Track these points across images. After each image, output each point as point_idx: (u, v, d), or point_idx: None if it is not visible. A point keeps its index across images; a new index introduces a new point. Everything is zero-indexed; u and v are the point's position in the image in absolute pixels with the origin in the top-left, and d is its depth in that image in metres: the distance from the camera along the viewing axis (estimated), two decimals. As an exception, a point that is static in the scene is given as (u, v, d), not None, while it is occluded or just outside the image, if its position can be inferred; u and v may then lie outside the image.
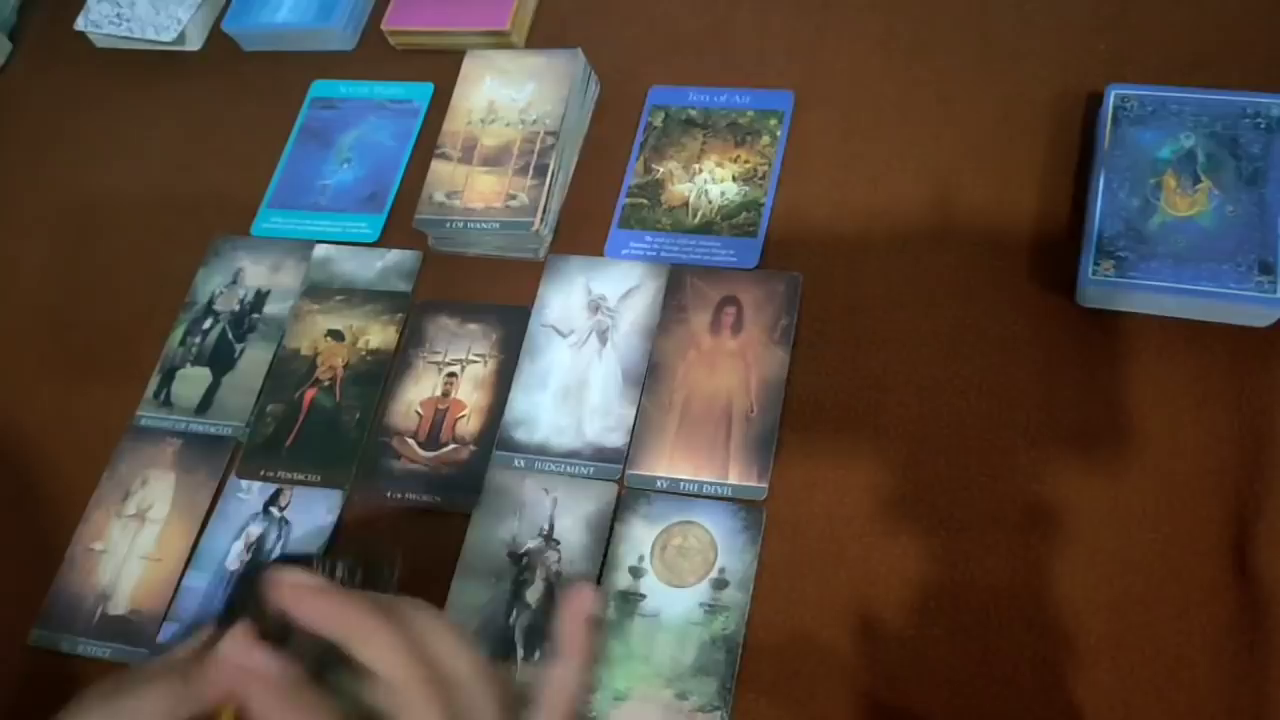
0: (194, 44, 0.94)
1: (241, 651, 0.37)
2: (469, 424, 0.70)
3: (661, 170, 0.75)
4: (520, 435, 0.68)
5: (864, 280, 0.68)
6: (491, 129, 0.77)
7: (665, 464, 0.65)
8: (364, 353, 0.74)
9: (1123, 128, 0.64)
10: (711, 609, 0.60)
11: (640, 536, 0.63)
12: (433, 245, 0.77)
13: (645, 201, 0.75)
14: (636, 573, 0.62)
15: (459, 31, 0.84)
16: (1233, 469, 0.58)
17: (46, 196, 0.91)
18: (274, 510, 0.70)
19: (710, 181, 0.74)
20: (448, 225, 0.74)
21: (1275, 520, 0.56)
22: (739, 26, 0.80)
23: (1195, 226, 0.61)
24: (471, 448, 0.69)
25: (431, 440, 0.70)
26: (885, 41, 0.76)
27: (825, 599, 0.60)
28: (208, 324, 0.78)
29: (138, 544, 0.71)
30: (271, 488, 0.71)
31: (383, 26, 0.86)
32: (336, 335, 0.75)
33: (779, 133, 0.75)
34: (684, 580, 0.61)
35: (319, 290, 0.77)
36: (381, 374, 0.73)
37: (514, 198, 0.74)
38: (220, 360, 0.77)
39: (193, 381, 0.76)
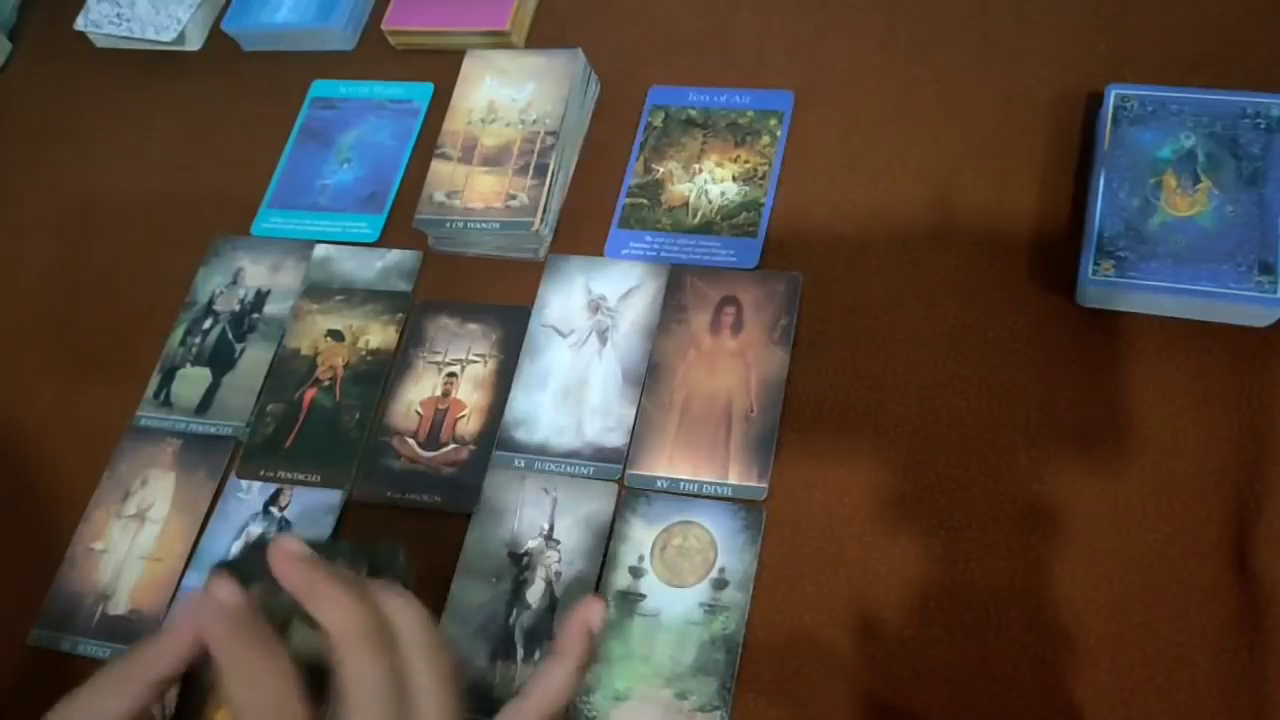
0: (194, 44, 0.94)
1: (214, 585, 0.39)
2: (469, 424, 0.70)
3: (661, 170, 0.75)
4: (520, 435, 0.68)
5: (864, 280, 0.68)
6: (491, 129, 0.77)
7: (665, 464, 0.65)
8: (364, 353, 0.74)
9: (1123, 128, 0.64)
10: (711, 609, 0.60)
11: (640, 536, 0.63)
12: (433, 245, 0.77)
13: (645, 201, 0.75)
14: (636, 573, 0.62)
15: (459, 31, 0.84)
16: (1233, 469, 0.58)
17: (46, 196, 0.91)
18: (274, 510, 0.70)
19: (710, 181, 0.74)
20: (448, 225, 0.74)
21: (1275, 520, 0.56)
22: (739, 26, 0.80)
23: (1195, 226, 0.61)
24: (471, 448, 0.69)
25: (431, 440, 0.70)
26: (885, 41, 0.76)
27: (825, 599, 0.60)
28: (208, 324, 0.78)
29: (138, 544, 0.71)
30: (271, 488, 0.71)
31: (383, 26, 0.86)
32: (336, 335, 0.75)
33: (779, 133, 0.75)
34: (684, 580, 0.61)
35: (319, 290, 0.77)
36: (381, 374, 0.73)
37: (514, 198, 0.74)
38: (220, 360, 0.77)
39: (193, 381, 0.76)
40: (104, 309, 0.83)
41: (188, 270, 0.81)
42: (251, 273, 0.80)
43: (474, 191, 0.75)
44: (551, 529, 0.65)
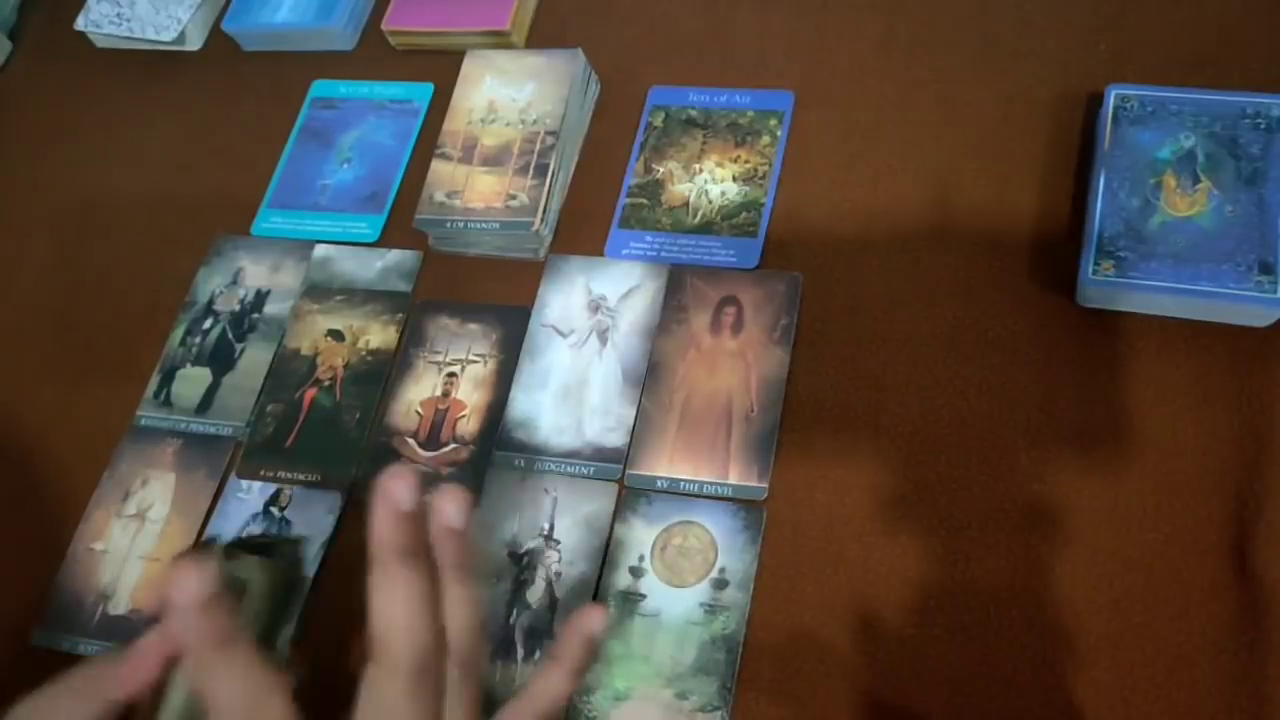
0: (194, 44, 0.94)
1: (186, 560, 0.38)
2: (469, 424, 0.70)
3: (661, 170, 0.75)
4: (520, 435, 0.68)
5: (864, 280, 0.68)
6: (491, 129, 0.77)
7: (665, 464, 0.65)
8: (364, 352, 0.74)
9: (1123, 128, 0.64)
10: (712, 609, 0.60)
11: (640, 536, 0.63)
12: (433, 245, 0.77)
13: (645, 201, 0.75)
14: (636, 573, 0.62)
15: (459, 31, 0.84)
16: (1233, 469, 0.58)
17: (46, 196, 0.91)
18: (274, 510, 0.70)
19: (710, 181, 0.74)
20: (448, 225, 0.74)
21: (1275, 520, 0.56)
22: (739, 26, 0.80)
23: (1195, 226, 0.61)
24: (471, 448, 0.69)
25: (432, 440, 0.70)
26: (885, 41, 0.76)
27: (825, 599, 0.60)
28: (208, 324, 0.78)
29: (138, 544, 0.71)
30: (271, 488, 0.71)
31: (383, 26, 0.86)
32: (337, 335, 0.75)
33: (779, 133, 0.75)
34: (684, 580, 0.61)
35: (319, 290, 0.77)
36: (382, 374, 0.73)
37: (514, 198, 0.74)
38: (220, 360, 0.77)
39: (193, 381, 0.76)
40: (104, 309, 0.83)
41: (188, 270, 0.81)
42: (251, 273, 0.80)
43: (474, 191, 0.75)
44: (552, 529, 0.65)
